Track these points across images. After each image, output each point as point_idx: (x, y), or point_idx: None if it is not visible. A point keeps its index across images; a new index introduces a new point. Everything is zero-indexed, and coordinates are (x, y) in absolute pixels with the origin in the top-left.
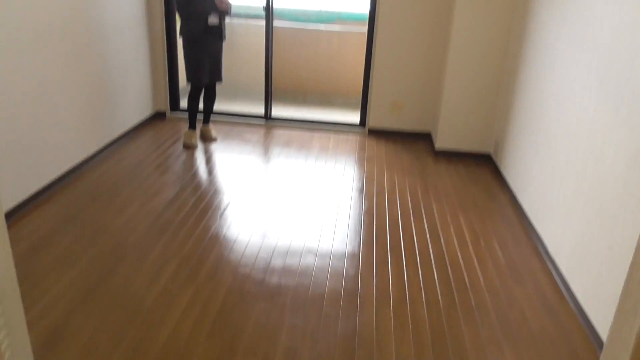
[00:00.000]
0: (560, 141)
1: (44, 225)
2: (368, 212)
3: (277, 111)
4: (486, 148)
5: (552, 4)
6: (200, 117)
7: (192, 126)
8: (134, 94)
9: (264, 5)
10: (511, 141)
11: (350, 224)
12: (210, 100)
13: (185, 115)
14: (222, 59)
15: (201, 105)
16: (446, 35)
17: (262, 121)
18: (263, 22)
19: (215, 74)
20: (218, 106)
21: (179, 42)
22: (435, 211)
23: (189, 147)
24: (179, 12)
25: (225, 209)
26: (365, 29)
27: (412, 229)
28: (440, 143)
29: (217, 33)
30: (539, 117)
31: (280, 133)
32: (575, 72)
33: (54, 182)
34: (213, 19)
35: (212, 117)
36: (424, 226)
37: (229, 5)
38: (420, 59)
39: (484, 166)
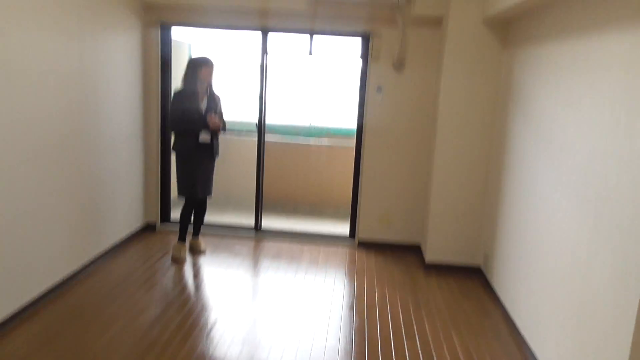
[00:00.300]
0: (547, 257)
1: (23, 346)
2: (359, 331)
3: (268, 222)
4: (476, 261)
5: (528, 124)
6: (190, 229)
7: (182, 239)
8: (125, 205)
9: (257, 122)
10: (500, 255)
11: (341, 344)
12: (200, 214)
13: (176, 227)
14: (213, 175)
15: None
16: (430, 149)
17: (252, 233)
18: (256, 137)
19: (206, 188)
20: (208, 218)
21: (172, 156)
22: (427, 329)
23: (178, 261)
24: (172, 129)
25: (212, 328)
26: (353, 143)
27: (404, 348)
28: (430, 256)
29: (209, 150)
30: (525, 232)
31: (270, 245)
32: (554, 191)
33: (37, 300)
34: (204, 137)
35: (202, 229)
36: (417, 346)
37: (219, 125)
38: (407, 172)
39: (475, 280)
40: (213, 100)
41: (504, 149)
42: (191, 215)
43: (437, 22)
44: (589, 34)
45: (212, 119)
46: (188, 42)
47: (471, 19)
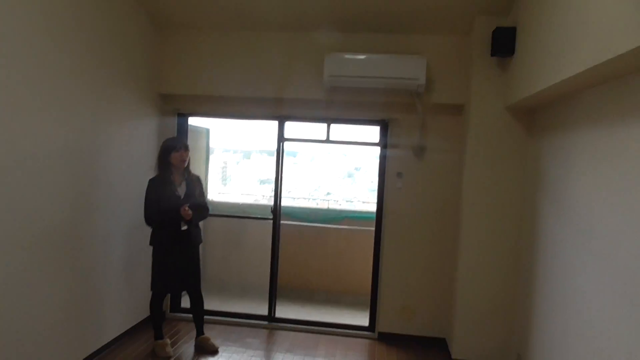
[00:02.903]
0: None
1: None
2: None
3: (282, 311)
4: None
5: (561, 216)
6: (189, 327)
7: (159, 336)
8: (132, 295)
9: (272, 207)
10: (534, 356)
11: None
12: (197, 307)
13: (186, 316)
14: (199, 263)
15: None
16: (455, 238)
17: (265, 322)
18: (271, 222)
19: (187, 281)
20: (219, 307)
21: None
22: None
23: (164, 358)
24: (146, 221)
25: None
26: (372, 227)
27: None
28: (457, 353)
29: (187, 239)
30: (565, 336)
31: (283, 335)
32: (598, 291)
33: None
34: (183, 225)
35: (213, 318)
36: None
37: (191, 216)
38: (431, 260)
39: None
40: (192, 184)
41: (535, 241)
42: (161, 310)
43: (457, 109)
44: (625, 121)
45: (185, 211)
46: (206, 127)
47: (493, 107)
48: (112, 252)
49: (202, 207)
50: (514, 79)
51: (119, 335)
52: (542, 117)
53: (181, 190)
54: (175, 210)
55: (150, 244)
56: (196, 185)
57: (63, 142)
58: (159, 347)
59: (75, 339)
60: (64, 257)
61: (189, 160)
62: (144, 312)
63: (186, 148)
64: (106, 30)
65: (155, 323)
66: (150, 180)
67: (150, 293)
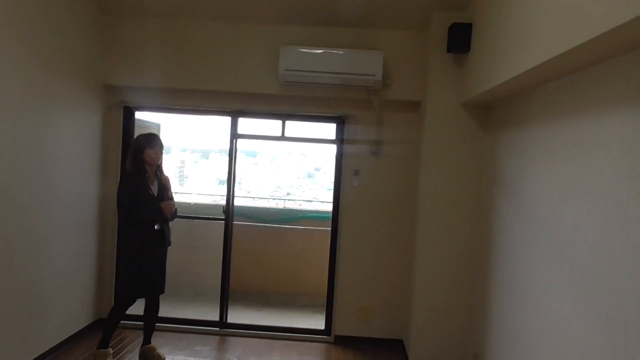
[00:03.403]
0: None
1: None
2: None
3: (235, 316)
4: None
5: (518, 212)
6: (136, 334)
7: (105, 345)
8: (73, 300)
9: (224, 206)
10: (492, 355)
11: None
12: (154, 316)
13: (133, 324)
14: (165, 267)
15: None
16: (412, 237)
17: (217, 328)
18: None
19: (158, 285)
20: (169, 313)
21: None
22: None
23: None
24: (124, 218)
25: None
26: (329, 227)
27: None
28: (414, 356)
29: (161, 240)
30: (522, 333)
31: (235, 342)
32: (555, 288)
33: None
34: (157, 224)
35: (161, 325)
36: None
37: (171, 207)
38: (387, 261)
39: None
40: (163, 184)
41: (491, 238)
42: (122, 318)
43: (414, 106)
44: (581, 116)
45: (168, 206)
46: (157, 122)
47: (450, 103)
48: (52, 255)
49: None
50: (470, 75)
51: (59, 343)
52: (498, 113)
53: (154, 188)
54: (153, 208)
55: (122, 245)
56: (167, 186)
57: None
58: (100, 356)
59: (9, 347)
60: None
61: (162, 159)
62: (86, 318)
63: (161, 146)
64: (43, 12)
65: (108, 330)
66: (125, 176)
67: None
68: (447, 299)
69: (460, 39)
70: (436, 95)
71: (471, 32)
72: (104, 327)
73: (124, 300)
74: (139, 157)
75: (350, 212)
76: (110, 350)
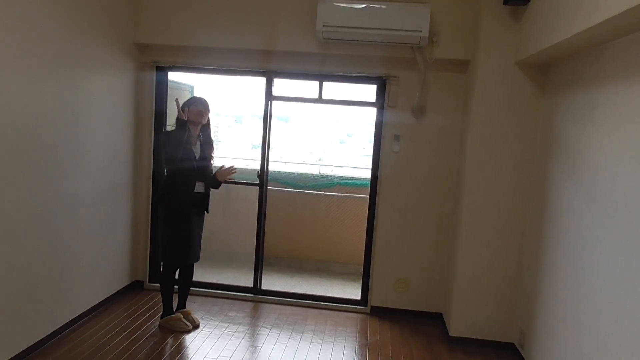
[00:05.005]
0: (608, 345)
1: None
2: None
3: (269, 282)
4: (510, 337)
5: (578, 181)
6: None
7: (170, 311)
8: (109, 261)
9: (258, 171)
10: (540, 333)
11: None
12: (188, 282)
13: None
14: (202, 235)
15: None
16: (456, 206)
17: (250, 295)
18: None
19: (195, 252)
20: (201, 277)
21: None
22: None
23: (185, 332)
24: (169, 167)
25: None
26: (367, 195)
27: None
28: (455, 329)
29: (202, 205)
30: (576, 311)
31: (269, 309)
32: (621, 264)
33: None
34: (199, 187)
35: (194, 290)
36: None
37: (230, 172)
38: (429, 230)
39: (507, 358)
40: (207, 147)
41: (545, 210)
42: (174, 282)
43: (463, 65)
44: None
45: (223, 173)
46: (190, 84)
47: (503, 63)
48: (85, 217)
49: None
50: (528, 31)
51: (95, 305)
52: (559, 72)
53: (196, 150)
54: (195, 168)
55: (164, 208)
56: (210, 150)
57: (21, 96)
58: (174, 322)
59: (45, 309)
60: (27, 224)
61: (209, 120)
62: (122, 280)
63: (206, 106)
64: None
65: (165, 297)
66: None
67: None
68: (493, 273)
69: None
70: (488, 53)
71: None
72: (161, 296)
73: (168, 264)
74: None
75: (389, 179)
76: (179, 314)
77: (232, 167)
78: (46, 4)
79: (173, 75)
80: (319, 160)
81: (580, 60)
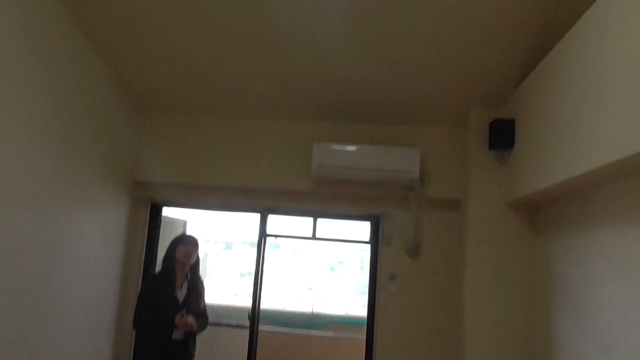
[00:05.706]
0: None
1: None
2: None
3: None
4: None
5: (584, 327)
6: None
7: None
8: None
9: (249, 313)
10: None
11: None
12: None
13: None
14: None
15: None
16: (459, 348)
17: None
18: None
19: None
20: None
21: None
22: None
23: None
24: (134, 326)
25: None
26: (362, 335)
27: None
28: None
29: (182, 352)
30: None
31: None
32: None
33: None
34: (176, 335)
35: None
36: None
37: (191, 327)
38: None
39: None
40: (195, 288)
41: (550, 355)
42: None
43: (454, 204)
44: None
45: (183, 319)
46: (184, 219)
47: (493, 203)
48: None
49: (201, 317)
50: (516, 174)
51: None
52: (548, 213)
53: (181, 293)
54: (173, 313)
55: (134, 357)
56: (200, 290)
57: (19, 225)
58: None
59: None
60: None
61: (198, 259)
62: None
63: (195, 244)
64: (83, 108)
65: None
66: (147, 277)
67: None
68: None
69: (502, 135)
70: (478, 193)
71: (514, 129)
72: None
73: None
74: (171, 255)
75: (386, 320)
76: None
77: (186, 316)
78: (50, 150)
79: (167, 211)
80: (310, 289)
81: (569, 202)
